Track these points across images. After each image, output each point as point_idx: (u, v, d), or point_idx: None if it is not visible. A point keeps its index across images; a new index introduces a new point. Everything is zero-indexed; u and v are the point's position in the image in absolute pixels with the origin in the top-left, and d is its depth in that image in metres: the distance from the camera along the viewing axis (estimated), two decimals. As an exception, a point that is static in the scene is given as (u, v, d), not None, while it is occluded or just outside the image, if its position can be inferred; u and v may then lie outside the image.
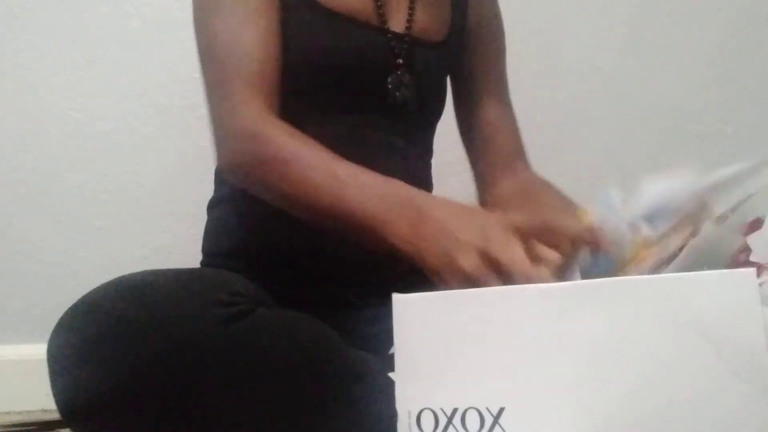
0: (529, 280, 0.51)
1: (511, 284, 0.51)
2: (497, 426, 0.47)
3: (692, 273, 0.46)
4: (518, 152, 0.90)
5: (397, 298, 0.51)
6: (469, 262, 0.54)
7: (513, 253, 0.53)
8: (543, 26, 1.31)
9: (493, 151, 0.89)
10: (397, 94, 0.80)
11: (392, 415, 0.51)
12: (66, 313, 0.60)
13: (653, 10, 1.34)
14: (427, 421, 0.49)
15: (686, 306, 0.44)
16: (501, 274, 0.53)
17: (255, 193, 0.72)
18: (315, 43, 0.76)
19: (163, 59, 1.22)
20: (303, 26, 0.77)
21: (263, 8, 0.74)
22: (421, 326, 0.50)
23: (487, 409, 0.47)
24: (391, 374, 0.60)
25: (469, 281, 0.53)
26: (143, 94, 1.21)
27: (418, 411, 0.49)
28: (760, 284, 0.43)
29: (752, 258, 0.62)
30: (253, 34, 0.73)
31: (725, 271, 0.44)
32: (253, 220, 0.80)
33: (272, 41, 0.74)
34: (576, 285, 0.47)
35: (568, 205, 0.80)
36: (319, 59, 0.76)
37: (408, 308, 0.51)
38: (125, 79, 1.21)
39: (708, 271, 0.45)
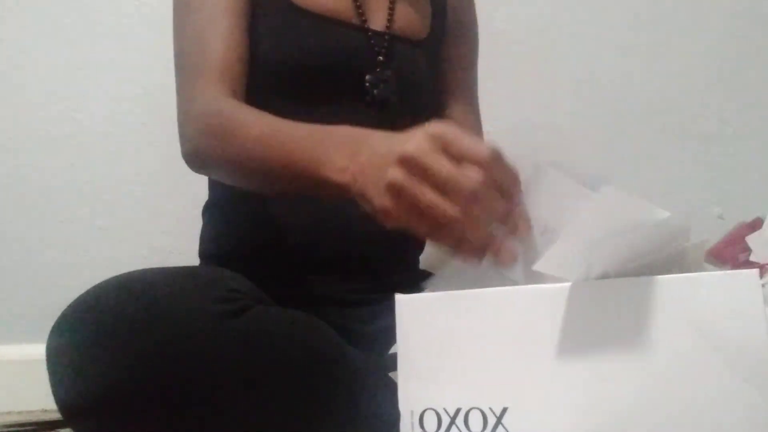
0: (452, 179, 0.48)
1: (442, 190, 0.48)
2: (500, 426, 0.46)
3: (695, 273, 0.45)
4: None
5: (399, 298, 0.50)
6: (393, 172, 0.50)
7: (435, 157, 0.49)
8: (543, 27, 1.31)
9: None
10: (376, 91, 0.81)
11: (390, 414, 0.51)
12: (64, 312, 0.60)
13: (653, 10, 1.34)
14: (430, 421, 0.48)
15: (689, 306, 0.43)
16: (428, 178, 0.49)
17: (217, 176, 0.72)
18: (294, 44, 0.76)
19: (163, 59, 1.22)
20: (282, 29, 0.77)
21: (230, 9, 0.76)
22: (424, 326, 0.50)
23: (491, 409, 0.47)
24: (391, 374, 0.60)
25: (394, 192, 0.50)
26: (143, 94, 1.21)
27: (420, 411, 0.49)
28: (763, 285, 0.43)
29: (752, 258, 0.62)
30: (217, 31, 0.74)
31: (728, 271, 0.44)
32: (247, 222, 0.80)
33: (236, 38, 0.75)
34: (579, 285, 0.47)
35: None
36: (300, 60, 0.77)
37: (411, 308, 0.50)
38: (125, 79, 1.21)
39: (711, 272, 0.45)
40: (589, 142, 1.34)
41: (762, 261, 0.59)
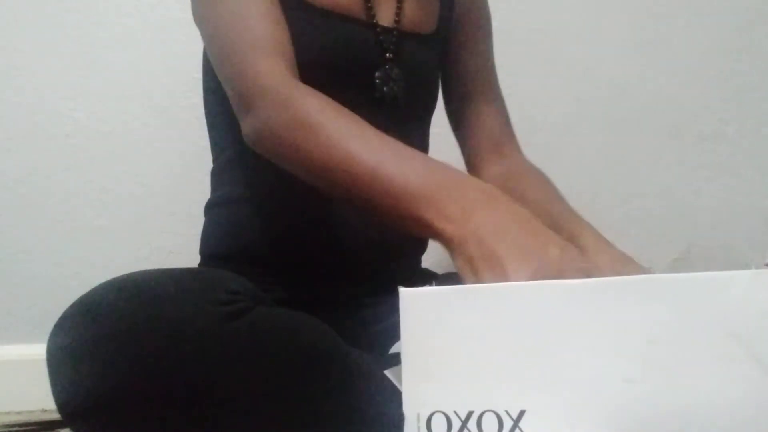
0: None
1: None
2: (517, 430, 0.44)
3: (723, 272, 0.43)
4: (506, 136, 0.90)
5: (404, 292, 0.46)
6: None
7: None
8: (543, 26, 1.31)
9: (480, 135, 0.89)
10: (385, 88, 0.80)
11: (392, 415, 0.50)
12: (65, 312, 0.60)
13: (653, 10, 1.34)
14: (439, 425, 0.45)
15: (717, 305, 0.42)
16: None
17: (283, 162, 0.67)
18: (303, 40, 0.76)
19: (163, 59, 1.22)
20: (291, 24, 0.77)
21: None
22: (432, 323, 0.46)
23: (507, 412, 0.44)
24: (387, 372, 0.59)
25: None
26: (143, 94, 1.21)
27: (428, 414, 0.45)
28: None
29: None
30: (258, 10, 0.71)
31: (757, 270, 0.42)
32: (250, 223, 0.80)
33: (277, 17, 0.72)
34: (603, 282, 0.44)
35: (554, 196, 0.80)
36: (307, 56, 0.76)
37: (416, 303, 0.46)
38: (125, 79, 1.21)
39: (739, 271, 0.43)
40: (589, 142, 1.34)
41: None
